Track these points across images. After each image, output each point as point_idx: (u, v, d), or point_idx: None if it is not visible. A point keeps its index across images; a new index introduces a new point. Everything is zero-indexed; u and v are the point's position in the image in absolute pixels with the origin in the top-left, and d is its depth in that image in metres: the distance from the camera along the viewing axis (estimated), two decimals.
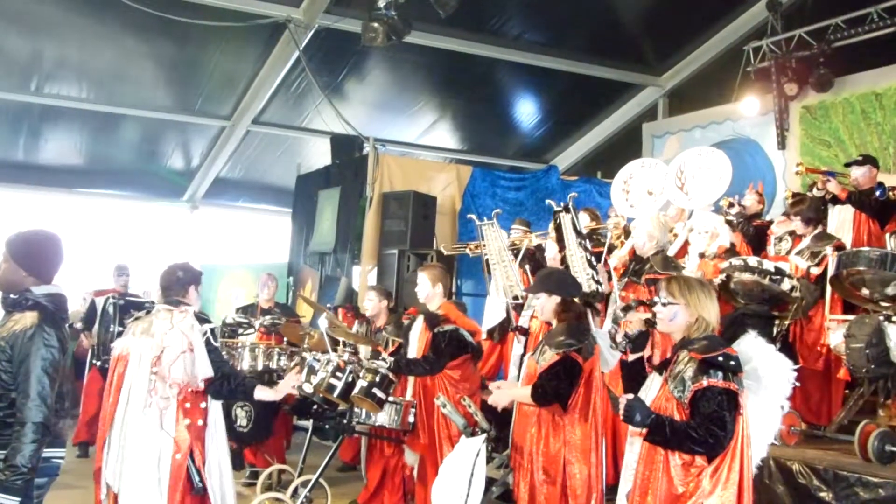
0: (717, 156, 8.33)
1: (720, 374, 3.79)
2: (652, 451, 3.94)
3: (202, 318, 5.01)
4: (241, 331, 8.31)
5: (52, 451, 4.00)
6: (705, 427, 3.74)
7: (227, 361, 5.05)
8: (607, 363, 5.26)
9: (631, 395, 3.93)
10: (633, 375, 4.16)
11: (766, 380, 4.00)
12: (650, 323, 4.30)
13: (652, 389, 4.10)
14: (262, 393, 5.12)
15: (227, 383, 4.97)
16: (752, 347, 4.09)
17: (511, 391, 5.37)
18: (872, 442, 5.65)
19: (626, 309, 4.30)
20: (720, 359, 3.81)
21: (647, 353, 5.08)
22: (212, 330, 4.97)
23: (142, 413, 4.72)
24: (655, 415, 3.83)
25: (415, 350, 6.75)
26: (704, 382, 3.78)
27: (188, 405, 4.81)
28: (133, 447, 4.70)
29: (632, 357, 4.23)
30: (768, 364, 4.04)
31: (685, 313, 4.03)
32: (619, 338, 4.87)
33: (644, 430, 3.86)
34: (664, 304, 4.08)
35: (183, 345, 4.81)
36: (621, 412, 3.88)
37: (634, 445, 4.08)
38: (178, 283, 5.05)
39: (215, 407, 5.04)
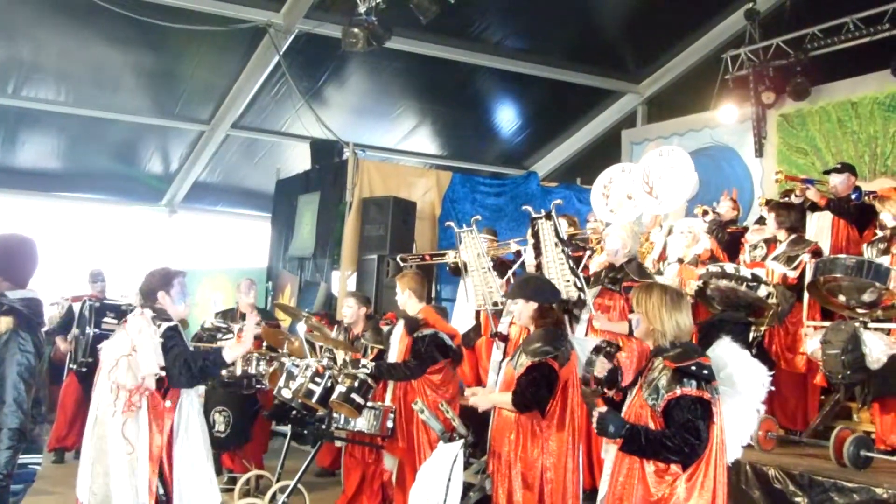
0: (677, 153, 8.36)
1: (694, 382, 3.80)
2: (627, 457, 3.95)
3: (162, 319, 4.83)
4: (219, 335, 8.26)
5: (28, 457, 3.97)
6: (680, 436, 3.76)
7: (188, 351, 4.78)
8: None
9: (604, 408, 3.94)
10: (616, 404, 4.18)
11: (741, 385, 4.02)
12: (605, 350, 4.33)
13: (629, 400, 4.13)
14: (230, 352, 4.86)
15: (189, 369, 4.68)
16: (726, 352, 4.11)
17: (492, 396, 5.38)
18: (847, 447, 5.72)
19: (591, 364, 4.30)
20: (693, 368, 3.83)
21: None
22: (169, 328, 4.78)
23: (110, 421, 4.63)
24: (630, 425, 3.85)
25: (395, 355, 6.75)
26: (678, 391, 3.80)
27: (144, 410, 4.65)
28: (97, 456, 4.64)
29: (610, 393, 4.25)
30: (743, 369, 4.06)
31: (644, 322, 4.07)
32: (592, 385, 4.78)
33: (619, 440, 3.87)
34: (633, 312, 4.16)
35: (125, 349, 4.69)
36: (595, 425, 3.89)
37: (610, 452, 4.10)
38: (149, 291, 4.97)
39: (185, 409, 4.84)
